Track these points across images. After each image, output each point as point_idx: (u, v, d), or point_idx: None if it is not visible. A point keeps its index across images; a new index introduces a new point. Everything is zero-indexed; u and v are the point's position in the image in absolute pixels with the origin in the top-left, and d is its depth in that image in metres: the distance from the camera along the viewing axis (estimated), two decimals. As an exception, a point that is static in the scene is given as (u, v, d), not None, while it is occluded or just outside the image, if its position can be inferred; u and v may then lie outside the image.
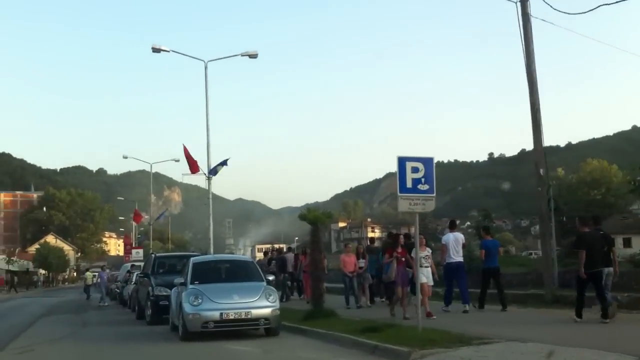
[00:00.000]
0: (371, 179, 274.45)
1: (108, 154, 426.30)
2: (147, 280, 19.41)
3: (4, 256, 61.36)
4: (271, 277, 15.16)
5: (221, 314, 12.92)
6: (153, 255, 21.97)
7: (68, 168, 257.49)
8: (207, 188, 28.66)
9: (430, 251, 14.79)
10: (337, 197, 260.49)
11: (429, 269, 14.00)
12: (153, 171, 55.80)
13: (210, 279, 14.22)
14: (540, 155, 17.57)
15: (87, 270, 50.54)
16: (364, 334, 11.86)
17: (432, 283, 14.10)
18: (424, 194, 11.77)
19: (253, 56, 28.90)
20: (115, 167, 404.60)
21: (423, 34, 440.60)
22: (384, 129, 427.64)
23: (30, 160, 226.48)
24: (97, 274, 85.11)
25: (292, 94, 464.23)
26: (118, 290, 35.12)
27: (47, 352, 13.09)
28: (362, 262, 17.97)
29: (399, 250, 13.85)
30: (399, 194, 11.77)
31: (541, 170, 17.29)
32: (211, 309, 12.98)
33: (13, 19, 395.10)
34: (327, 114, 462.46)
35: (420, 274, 12.74)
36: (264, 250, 29.56)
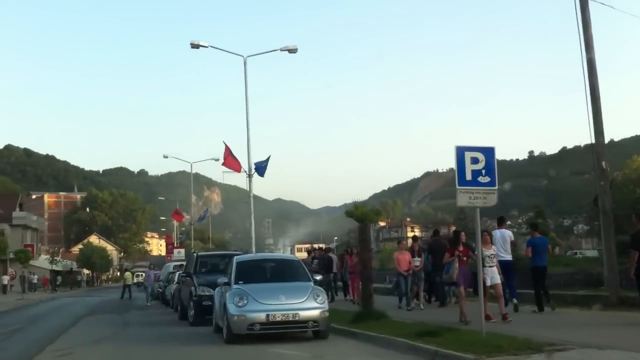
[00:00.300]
0: (409, 178, 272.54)
1: (149, 155, 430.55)
2: (190, 280, 18.76)
3: (47, 256, 61.70)
4: (318, 277, 14.36)
5: (267, 315, 12.15)
6: (195, 254, 21.29)
7: (110, 169, 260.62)
8: (246, 188, 27.94)
9: (496, 250, 13.69)
10: (376, 197, 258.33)
11: (494, 268, 12.98)
12: (193, 171, 55.46)
13: (255, 279, 13.48)
14: (601, 147, 16.41)
15: (127, 270, 50.31)
16: (421, 338, 10.97)
17: (498, 282, 13.04)
18: (485, 186, 10.80)
19: (293, 51, 28.02)
20: (156, 168, 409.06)
21: (458, 28, 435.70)
22: (422, 127, 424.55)
23: (73, 162, 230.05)
24: (143, 273, 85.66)
25: (327, 92, 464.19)
26: (160, 290, 34.69)
27: (86, 355, 12.47)
28: (418, 261, 16.88)
29: (461, 248, 12.83)
30: (457, 187, 10.78)
31: (603, 163, 16.04)
32: (257, 310, 12.23)
33: (51, 23, 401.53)
34: (365, 112, 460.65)
35: (485, 274, 11.82)
36: (307, 249, 28.62)
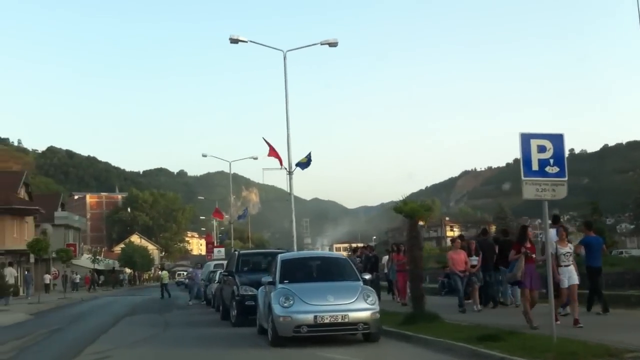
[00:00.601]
0: (446, 178, 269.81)
1: (188, 155, 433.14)
2: (232, 279, 18.06)
3: (89, 255, 62.02)
4: (367, 276, 13.54)
5: (315, 317, 11.36)
6: (237, 252, 20.53)
7: (150, 170, 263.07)
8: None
9: (572, 247, 12.59)
10: (413, 196, 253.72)
11: (571, 267, 11.93)
12: (232, 171, 54.96)
13: (301, 278, 12.73)
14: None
15: (162, 269, 50.02)
16: (483, 342, 10.07)
17: (576, 282, 11.98)
18: (554, 177, 9.82)
19: (333, 44, 27.24)
20: (195, 169, 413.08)
21: (505, 28, 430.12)
22: (459, 126, 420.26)
23: (114, 163, 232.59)
24: (184, 272, 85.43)
25: (361, 88, 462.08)
26: (202, 289, 34.22)
27: (125, 358, 11.83)
28: (475, 260, 15.83)
29: (528, 245, 11.76)
30: (523, 178, 9.79)
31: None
32: (304, 312, 11.46)
33: (92, 26, 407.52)
34: (402, 110, 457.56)
35: (561, 275, 10.85)
36: (348, 248, 27.72)
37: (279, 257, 13.73)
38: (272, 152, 26.46)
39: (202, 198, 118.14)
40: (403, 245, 20.58)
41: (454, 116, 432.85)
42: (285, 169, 26.81)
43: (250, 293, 16.38)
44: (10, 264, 37.85)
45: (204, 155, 50.55)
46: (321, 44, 27.24)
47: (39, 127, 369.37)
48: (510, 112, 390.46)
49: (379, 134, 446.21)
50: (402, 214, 14.54)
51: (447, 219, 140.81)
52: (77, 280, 56.14)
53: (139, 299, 39.98)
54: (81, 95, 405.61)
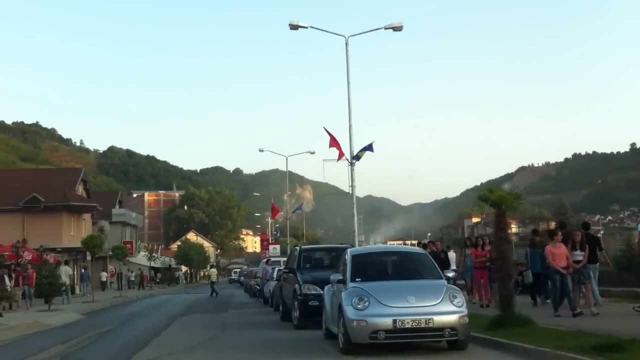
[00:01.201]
0: (502, 174, 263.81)
1: (243, 153, 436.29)
2: (293, 277, 16.49)
3: (146, 253, 61.57)
4: (450, 274, 11.74)
5: (395, 321, 9.63)
6: (298, 247, 18.91)
7: (207, 169, 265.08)
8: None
9: None
10: (468, 193, 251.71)
11: None
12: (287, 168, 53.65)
13: (376, 276, 11.07)
14: None
15: (212, 266, 48.89)
16: (602, 354, 8.21)
17: None
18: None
19: (397, 29, 25.32)
20: (250, 167, 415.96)
21: (542, 21, 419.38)
22: (515, 120, 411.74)
23: (172, 162, 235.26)
24: (239, 269, 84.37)
25: (417, 82, 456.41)
26: (258, 287, 32.89)
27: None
28: (580, 255, 13.66)
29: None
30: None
31: None
32: (381, 315, 9.74)
33: (146, 27, 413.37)
34: (456, 105, 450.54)
35: None
36: (422, 243, 25.82)
37: (350, 251, 12.07)
38: (333, 143, 24.82)
39: (258, 194, 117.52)
40: (481, 239, 18.71)
41: (510, 110, 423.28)
42: (347, 159, 25.22)
43: (313, 292, 14.85)
44: (66, 263, 37.18)
45: (261, 150, 49.45)
46: (385, 29, 25.43)
47: (100, 128, 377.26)
48: (569, 107, 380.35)
49: (431, 129, 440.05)
50: (487, 203, 12.71)
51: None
52: (132, 278, 55.31)
53: (194, 297, 38.92)
54: (141, 96, 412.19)
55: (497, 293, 13.77)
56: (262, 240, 72.64)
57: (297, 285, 15.77)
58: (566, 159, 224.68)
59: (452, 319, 9.82)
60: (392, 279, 10.99)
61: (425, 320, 9.66)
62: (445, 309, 9.88)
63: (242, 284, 65.08)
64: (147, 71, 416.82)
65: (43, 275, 25.02)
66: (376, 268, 11.42)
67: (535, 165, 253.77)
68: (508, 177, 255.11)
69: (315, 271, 16.00)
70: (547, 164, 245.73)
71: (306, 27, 25.43)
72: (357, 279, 10.81)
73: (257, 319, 19.54)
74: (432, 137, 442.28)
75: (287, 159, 49.19)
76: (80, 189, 51.30)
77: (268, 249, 66.37)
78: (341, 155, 24.73)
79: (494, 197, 12.40)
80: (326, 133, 25.25)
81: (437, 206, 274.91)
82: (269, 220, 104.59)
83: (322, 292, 13.32)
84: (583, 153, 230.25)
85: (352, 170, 25.38)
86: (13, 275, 29.46)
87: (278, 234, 76.30)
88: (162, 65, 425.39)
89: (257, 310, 24.44)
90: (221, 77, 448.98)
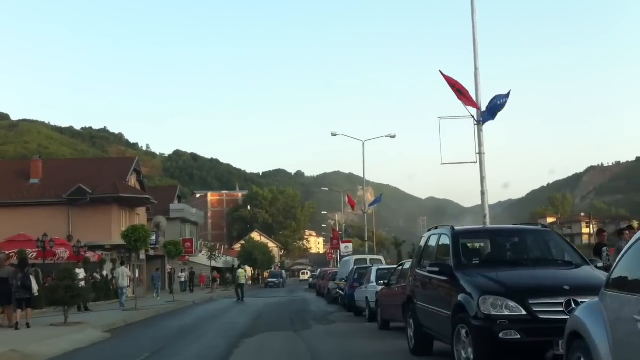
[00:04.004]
0: (570, 174, 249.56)
1: (305, 155, 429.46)
2: (448, 281, 8.53)
3: (206, 251, 54.63)
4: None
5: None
6: (448, 230, 10.17)
7: (270, 171, 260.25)
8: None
9: None
10: (534, 194, 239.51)
11: None
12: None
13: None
14: None
15: (239, 266, 40.97)
16: None
17: None
18: None
19: None
20: (312, 169, 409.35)
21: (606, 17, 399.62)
22: (583, 121, 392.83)
23: (236, 165, 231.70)
24: (308, 271, 76.59)
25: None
26: (341, 292, 25.24)
27: None
28: None
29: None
30: None
31: None
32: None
33: (206, 25, 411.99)
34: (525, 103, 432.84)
35: None
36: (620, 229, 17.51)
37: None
38: (459, 89, 16.90)
39: (326, 189, 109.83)
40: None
41: (579, 109, 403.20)
42: (473, 117, 17.31)
43: (513, 314, 7.02)
44: (123, 263, 30.63)
45: (334, 135, 41.78)
46: None
47: (166, 132, 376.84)
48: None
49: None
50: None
51: (582, 214, 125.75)
52: (183, 279, 47.18)
53: (261, 302, 31.48)
54: (205, 100, 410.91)
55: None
56: (332, 239, 64.65)
57: (462, 297, 7.89)
58: (638, 158, 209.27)
59: None
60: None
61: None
62: None
63: (311, 286, 57.99)
64: (211, 77, 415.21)
65: (59, 277, 17.83)
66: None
67: (605, 164, 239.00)
68: (577, 177, 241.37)
69: (496, 269, 8.18)
70: (618, 163, 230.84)
71: None
72: None
73: (364, 347, 11.88)
74: (496, 139, 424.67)
75: (363, 144, 41.51)
76: (133, 180, 44.56)
77: (339, 248, 58.92)
78: (472, 103, 16.90)
79: None
80: (445, 79, 17.38)
81: (502, 208, 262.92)
82: (337, 219, 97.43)
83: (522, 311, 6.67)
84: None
85: (479, 132, 17.44)
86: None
87: (349, 232, 68.76)
88: (226, 71, 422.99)
89: (351, 326, 16.66)
90: (284, 80, 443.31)
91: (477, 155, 17.75)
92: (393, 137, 41.39)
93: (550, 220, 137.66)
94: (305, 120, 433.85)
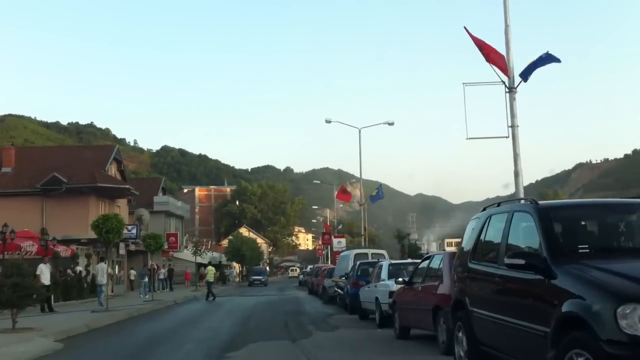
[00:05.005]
0: (559, 171, 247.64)
1: (294, 153, 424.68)
2: (540, 280, 5.48)
3: (190, 247, 51.32)
4: None
5: None
6: (533, 205, 6.40)
7: (258, 167, 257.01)
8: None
9: None
10: (524, 190, 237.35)
11: None
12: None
13: None
14: None
15: (209, 263, 37.81)
16: None
17: None
18: None
19: None
20: (301, 166, 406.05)
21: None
22: (571, 118, 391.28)
23: (224, 161, 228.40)
24: (297, 268, 73.28)
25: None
26: (340, 291, 22.25)
27: None
28: None
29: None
30: None
31: None
32: None
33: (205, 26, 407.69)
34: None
35: None
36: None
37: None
38: (487, 49, 13.99)
39: (318, 182, 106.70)
40: None
41: (565, 108, 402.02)
42: (503, 83, 14.52)
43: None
44: (102, 259, 27.52)
45: (328, 122, 38.65)
46: None
47: (153, 128, 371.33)
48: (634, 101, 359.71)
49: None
50: None
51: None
52: (162, 276, 42.54)
53: (250, 301, 28.43)
54: (193, 96, 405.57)
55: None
56: (323, 234, 61.47)
57: (575, 305, 4.85)
58: (626, 155, 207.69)
59: None
60: None
61: None
62: None
63: (301, 284, 54.91)
64: (199, 72, 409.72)
65: (6, 273, 14.67)
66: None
67: (594, 162, 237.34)
68: (566, 174, 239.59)
69: (623, 261, 5.22)
70: (607, 160, 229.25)
71: None
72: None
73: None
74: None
75: (360, 131, 38.45)
76: (113, 170, 41.26)
77: (331, 243, 55.88)
78: (499, 63, 14.01)
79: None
80: (470, 37, 14.43)
81: (490, 204, 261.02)
82: (327, 215, 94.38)
83: None
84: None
85: (511, 98, 14.53)
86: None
87: (342, 225, 65.78)
88: (214, 66, 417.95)
89: (359, 333, 13.61)
90: (272, 76, 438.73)
91: (510, 129, 14.91)
92: (391, 124, 38.47)
93: None
94: (294, 115, 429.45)
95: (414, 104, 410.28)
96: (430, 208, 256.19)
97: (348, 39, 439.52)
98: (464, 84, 15.24)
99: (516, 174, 15.23)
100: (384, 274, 15.09)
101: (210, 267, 34.09)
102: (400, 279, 12.16)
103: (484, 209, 8.14)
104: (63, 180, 36.00)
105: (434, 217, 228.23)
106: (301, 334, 13.65)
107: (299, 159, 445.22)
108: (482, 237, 7.47)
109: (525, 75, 14.09)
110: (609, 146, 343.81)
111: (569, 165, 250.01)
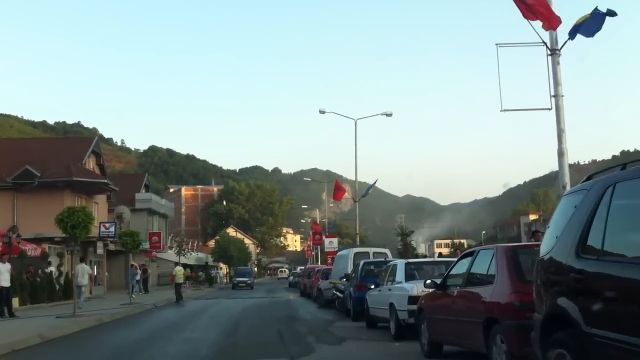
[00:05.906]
0: (547, 171, 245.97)
1: (283, 153, 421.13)
2: None
3: (175, 247, 48.38)
4: None
5: None
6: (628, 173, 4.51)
7: (246, 168, 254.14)
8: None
9: None
10: (511, 192, 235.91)
11: None
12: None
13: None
14: None
15: (177, 264, 34.88)
16: None
17: None
18: None
19: None
20: (289, 167, 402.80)
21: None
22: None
23: (212, 161, 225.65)
24: (286, 270, 70.58)
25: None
26: (339, 294, 19.60)
27: None
28: None
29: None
30: None
31: None
32: None
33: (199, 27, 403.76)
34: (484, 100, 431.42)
35: None
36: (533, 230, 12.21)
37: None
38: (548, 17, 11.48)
39: (309, 179, 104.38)
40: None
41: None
42: (545, 44, 12.01)
43: None
44: (82, 259, 24.94)
45: (322, 112, 35.94)
46: None
47: (141, 128, 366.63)
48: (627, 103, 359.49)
49: (471, 129, 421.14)
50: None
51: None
52: (138, 278, 36.96)
53: (238, 305, 25.69)
54: (181, 96, 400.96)
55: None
56: (313, 234, 58.60)
57: None
58: (614, 156, 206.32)
59: None
60: None
61: None
62: None
63: (291, 285, 52.29)
64: (186, 71, 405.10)
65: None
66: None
67: (582, 163, 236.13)
68: (554, 175, 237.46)
69: None
70: (594, 161, 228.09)
71: None
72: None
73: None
74: (470, 138, 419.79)
75: (356, 122, 35.77)
76: (91, 164, 38.35)
77: (321, 244, 53.21)
78: (551, 22, 11.41)
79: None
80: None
81: (478, 206, 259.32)
82: (316, 216, 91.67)
83: None
84: (632, 150, 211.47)
85: (556, 65, 11.98)
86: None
87: (332, 227, 63.09)
88: (201, 65, 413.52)
89: (373, 348, 10.95)
90: (261, 77, 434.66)
91: (553, 99, 12.39)
92: (389, 115, 35.83)
93: (532, 217, 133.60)
94: (283, 116, 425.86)
95: (414, 104, 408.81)
96: (419, 209, 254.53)
97: (345, 41, 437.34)
98: (497, 44, 12.66)
99: (560, 153, 12.81)
100: (400, 275, 12.41)
101: (178, 268, 31.43)
102: (429, 281, 9.46)
103: (589, 178, 5.45)
104: (36, 174, 33.20)
105: (423, 218, 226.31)
106: (301, 348, 10.98)
107: (288, 159, 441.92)
108: (598, 218, 4.77)
109: (573, 34, 11.60)
110: (597, 148, 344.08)
111: (557, 166, 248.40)
